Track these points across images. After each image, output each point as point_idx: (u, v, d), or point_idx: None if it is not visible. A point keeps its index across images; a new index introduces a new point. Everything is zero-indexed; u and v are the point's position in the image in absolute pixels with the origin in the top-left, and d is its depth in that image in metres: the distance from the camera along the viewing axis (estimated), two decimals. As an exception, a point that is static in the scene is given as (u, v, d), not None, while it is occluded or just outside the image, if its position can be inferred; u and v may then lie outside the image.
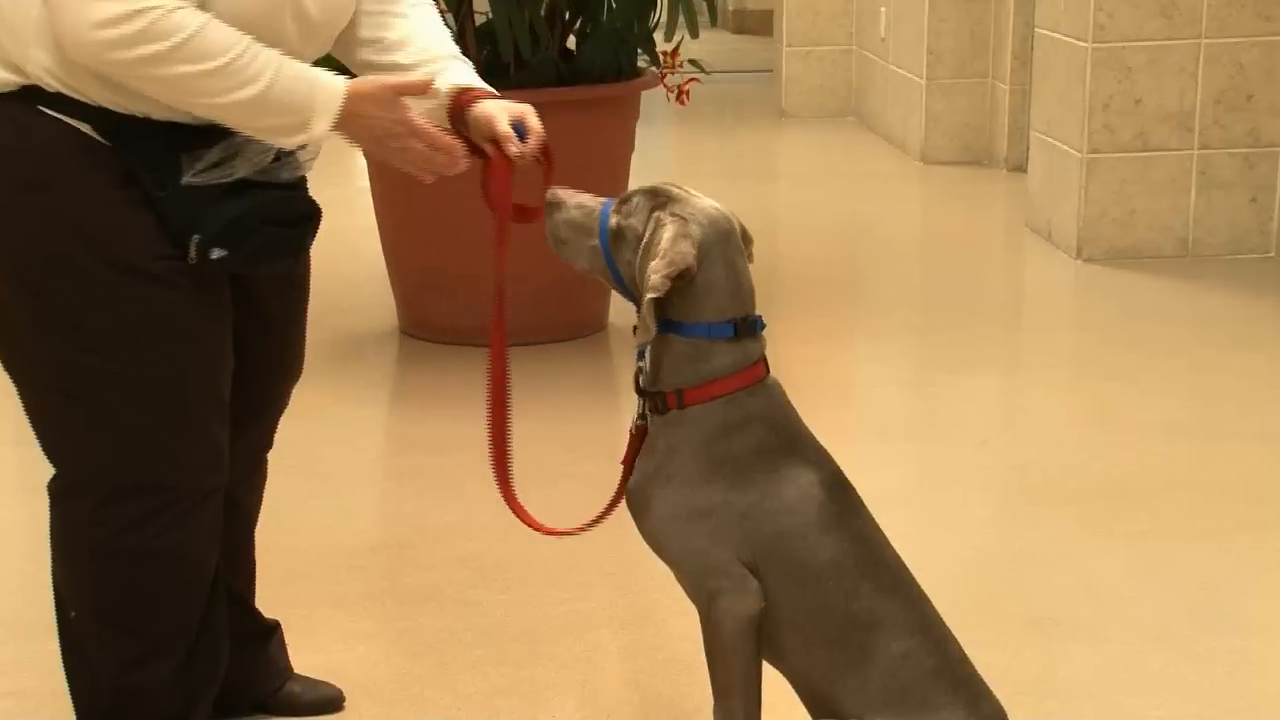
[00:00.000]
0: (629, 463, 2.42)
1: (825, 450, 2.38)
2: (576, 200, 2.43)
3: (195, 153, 2.39)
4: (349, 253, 6.10)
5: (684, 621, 2.50)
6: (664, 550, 2.39)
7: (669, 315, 2.32)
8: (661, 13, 5.23)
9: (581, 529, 2.52)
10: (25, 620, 3.26)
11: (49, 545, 2.57)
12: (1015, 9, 7.68)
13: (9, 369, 2.50)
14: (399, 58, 2.57)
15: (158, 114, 2.36)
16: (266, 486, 2.86)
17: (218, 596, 2.62)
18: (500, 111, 2.51)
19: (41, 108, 2.36)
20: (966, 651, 2.36)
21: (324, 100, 2.36)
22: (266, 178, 2.46)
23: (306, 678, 2.95)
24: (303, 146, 2.45)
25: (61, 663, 2.65)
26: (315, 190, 2.61)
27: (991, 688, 2.35)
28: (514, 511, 2.54)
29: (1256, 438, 4.35)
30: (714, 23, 10.31)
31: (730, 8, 13.79)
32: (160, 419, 2.45)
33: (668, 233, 2.29)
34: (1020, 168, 7.39)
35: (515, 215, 2.54)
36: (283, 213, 2.48)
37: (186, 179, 2.39)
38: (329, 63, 2.48)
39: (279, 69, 2.33)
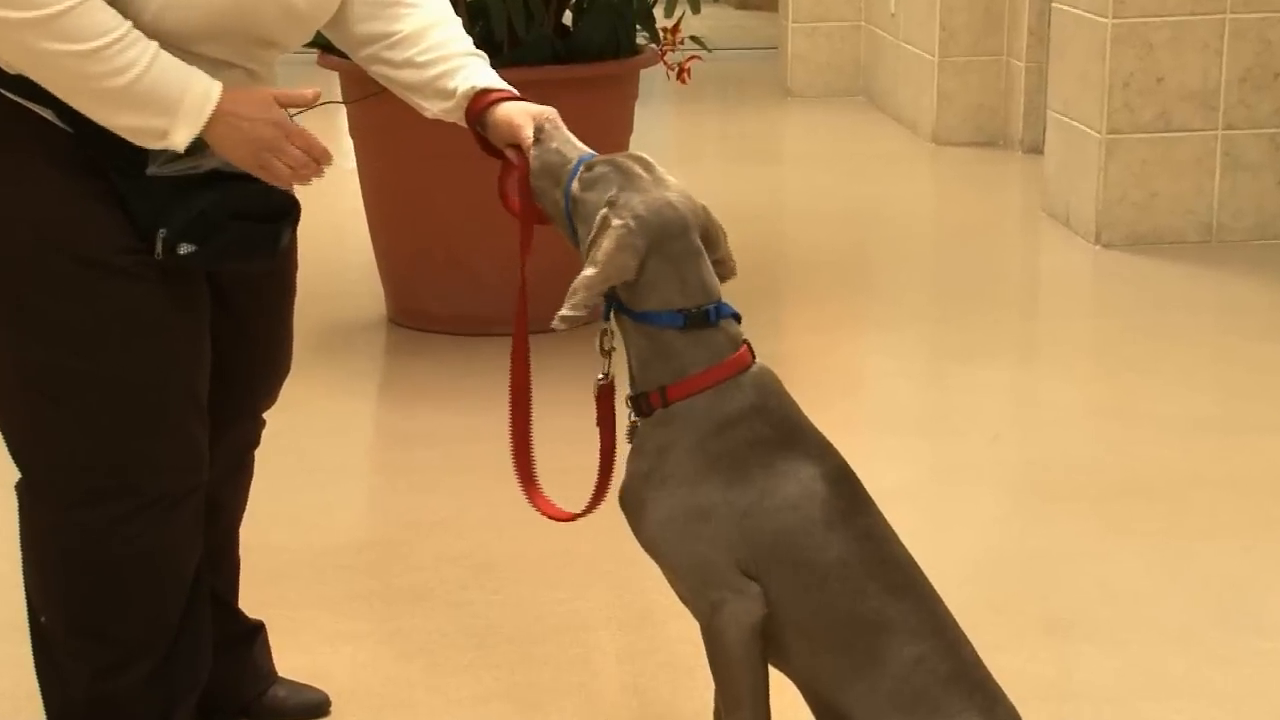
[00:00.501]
0: (605, 423, 2.45)
1: (828, 442, 2.38)
2: (558, 144, 2.44)
3: None
4: (334, 237, 6.10)
5: (685, 623, 2.50)
6: (661, 556, 2.39)
7: (618, 298, 2.36)
8: (661, -13, 5.23)
9: (583, 512, 2.52)
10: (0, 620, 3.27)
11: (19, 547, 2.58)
12: (1031, -17, 7.68)
13: None
14: (414, 54, 2.53)
15: None
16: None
17: (199, 599, 2.62)
18: (524, 117, 2.48)
19: (2, 91, 2.35)
20: (979, 654, 2.36)
21: (193, 101, 2.31)
22: (237, 168, 2.42)
23: (291, 681, 2.96)
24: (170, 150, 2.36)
25: (34, 670, 2.66)
26: (297, 169, 2.59)
27: (1007, 692, 2.35)
28: (529, 498, 2.54)
29: (1282, 431, 4.36)
30: (716, -3, 10.31)
31: (733, -18, 13.78)
32: (133, 418, 2.45)
33: (609, 241, 2.31)
34: (1036, 149, 7.39)
35: (539, 218, 2.51)
36: (255, 207, 2.44)
37: (153, 169, 2.37)
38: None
39: (153, 61, 2.28)
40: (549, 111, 2.50)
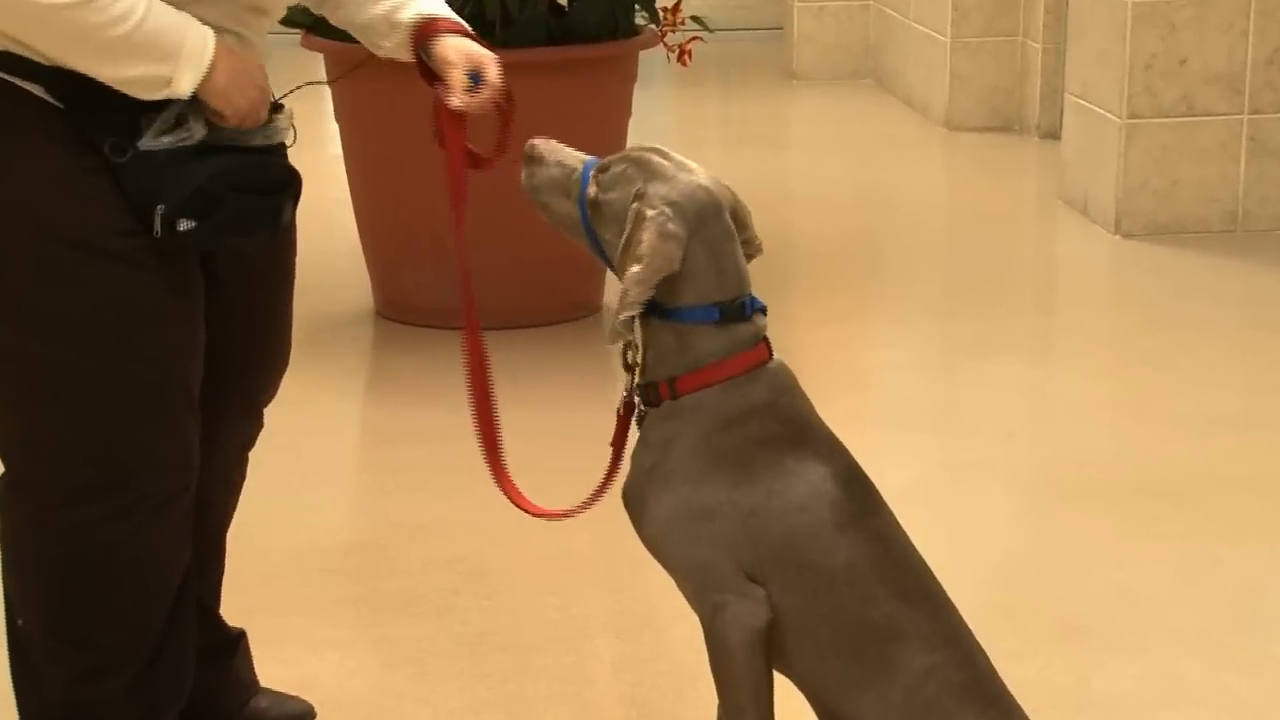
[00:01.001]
0: (618, 444, 2.44)
1: (839, 441, 2.39)
2: (557, 157, 2.45)
3: (153, 114, 2.39)
4: (320, 227, 6.07)
5: (685, 629, 2.51)
6: (664, 556, 2.40)
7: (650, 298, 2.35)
8: (661, -35, 5.24)
9: (570, 512, 2.53)
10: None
11: (-1, 546, 2.59)
12: (1048, -40, 7.68)
13: None
14: None
15: None
16: (231, 483, 2.87)
17: (185, 606, 2.63)
18: (458, 58, 2.54)
19: None
20: (993, 663, 2.37)
21: (194, 46, 2.36)
22: (235, 141, 2.46)
23: (274, 692, 2.96)
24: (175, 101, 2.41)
25: (10, 673, 2.66)
26: (284, 157, 2.61)
27: (1020, 702, 2.36)
28: (503, 489, 2.54)
29: (1310, 429, 4.37)
30: (718, -25, 10.30)
31: (736, -41, 13.78)
32: (123, 412, 2.46)
33: (649, 234, 2.31)
34: (1053, 134, 7.39)
35: (469, 161, 2.57)
36: (254, 179, 2.47)
37: (146, 143, 2.39)
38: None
39: (149, 9, 2.33)
40: (487, 58, 2.55)
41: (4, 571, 2.60)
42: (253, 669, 2.95)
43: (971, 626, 2.37)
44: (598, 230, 2.41)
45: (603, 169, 2.40)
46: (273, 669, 3.00)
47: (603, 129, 5.04)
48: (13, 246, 2.39)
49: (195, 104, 2.41)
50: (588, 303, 5.29)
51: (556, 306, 5.19)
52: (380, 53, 2.66)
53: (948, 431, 4.49)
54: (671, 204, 2.33)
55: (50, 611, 2.56)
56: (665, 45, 5.34)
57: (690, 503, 2.34)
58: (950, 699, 2.29)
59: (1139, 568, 3.60)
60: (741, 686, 2.36)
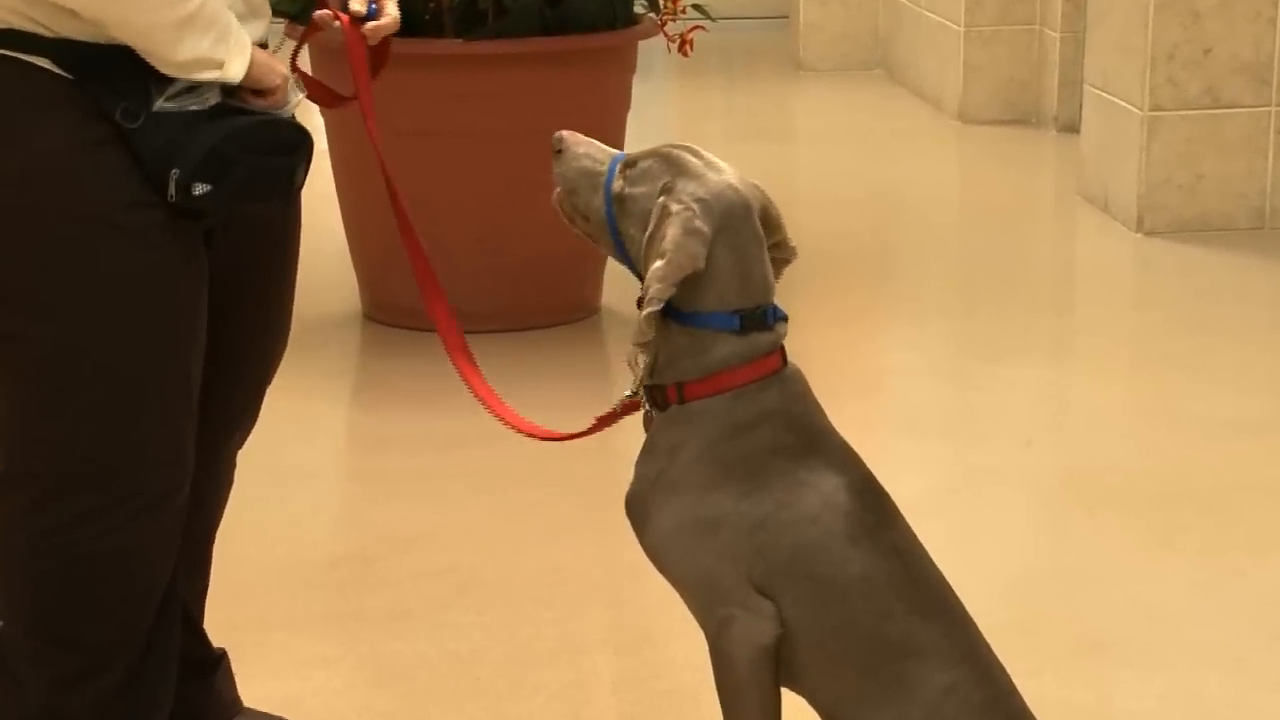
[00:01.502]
0: (605, 419, 2.46)
1: (853, 450, 2.40)
2: (584, 149, 2.47)
3: (164, 83, 2.42)
4: (305, 225, 6.10)
5: (687, 645, 2.51)
6: (667, 567, 2.41)
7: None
8: (661, -49, 5.24)
9: (573, 435, 2.52)
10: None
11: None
12: (1066, -54, 7.69)
13: None
14: None
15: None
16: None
17: (171, 612, 2.63)
18: None
19: None
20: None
21: (239, 33, 2.45)
22: (246, 105, 2.51)
23: (257, 711, 2.96)
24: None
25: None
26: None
27: (1039, 720, 2.37)
28: (483, 401, 2.55)
29: (1340, 435, 4.37)
30: (721, -38, 10.30)
31: (740, -56, 13.80)
32: (120, 401, 2.47)
33: (674, 229, 2.31)
34: (1072, 127, 7.40)
35: (328, 99, 2.78)
36: (266, 139, 2.51)
37: (158, 105, 2.42)
38: None
39: None
40: None
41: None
42: (235, 688, 2.95)
43: (988, 642, 2.38)
44: (621, 226, 2.41)
45: (630, 164, 2.42)
46: (256, 687, 3.00)
47: (601, 123, 5.03)
48: (19, 223, 2.41)
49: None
50: (585, 304, 5.30)
51: (552, 308, 5.19)
52: None
53: (962, 438, 4.50)
54: (699, 201, 2.34)
55: (35, 610, 2.56)
56: (665, 35, 5.34)
57: (696, 512, 2.35)
58: (971, 718, 2.29)
59: (1162, 580, 3.60)
60: (747, 706, 2.36)
